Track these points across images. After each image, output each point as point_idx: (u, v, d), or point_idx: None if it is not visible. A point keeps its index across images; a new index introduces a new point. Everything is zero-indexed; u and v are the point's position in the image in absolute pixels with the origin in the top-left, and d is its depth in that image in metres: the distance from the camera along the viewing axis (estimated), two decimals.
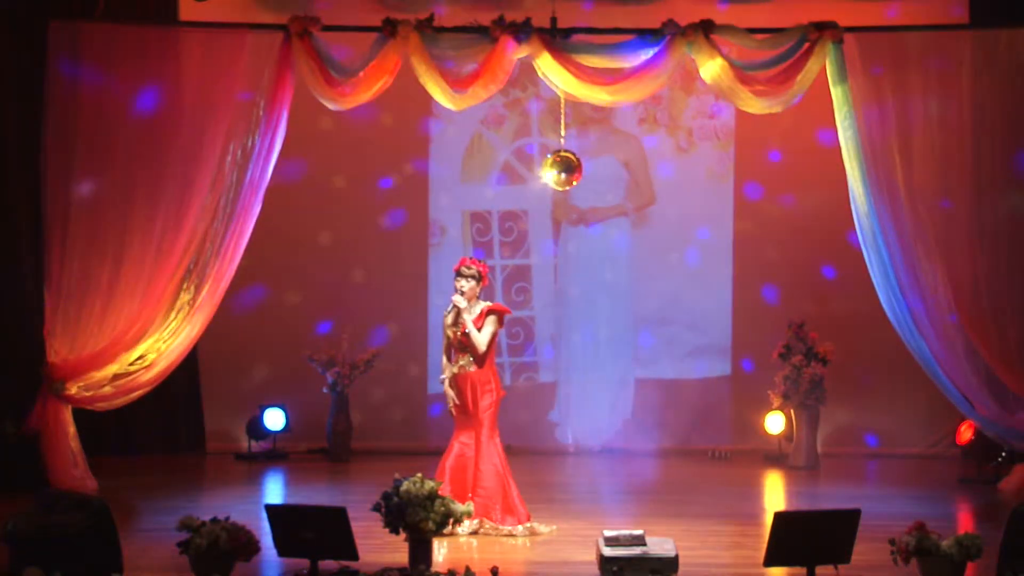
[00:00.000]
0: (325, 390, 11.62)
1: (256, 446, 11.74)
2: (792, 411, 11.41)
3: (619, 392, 12.21)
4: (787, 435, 11.63)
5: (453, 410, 8.43)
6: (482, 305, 8.39)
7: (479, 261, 8.47)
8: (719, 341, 12.14)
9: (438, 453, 11.76)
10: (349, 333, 11.66)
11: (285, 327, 11.95)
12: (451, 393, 8.37)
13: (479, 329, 8.29)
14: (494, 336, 8.35)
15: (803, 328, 11.39)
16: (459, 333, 8.32)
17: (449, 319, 8.39)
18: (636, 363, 12.22)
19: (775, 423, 11.70)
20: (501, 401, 8.43)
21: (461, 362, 8.35)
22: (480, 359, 8.31)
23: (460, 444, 8.34)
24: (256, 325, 11.96)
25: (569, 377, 12.23)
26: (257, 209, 9.67)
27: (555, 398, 12.22)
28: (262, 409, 11.70)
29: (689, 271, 12.19)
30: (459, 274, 8.39)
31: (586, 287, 12.28)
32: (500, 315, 8.39)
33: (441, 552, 7.63)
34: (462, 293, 8.34)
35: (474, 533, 8.14)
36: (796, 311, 11.59)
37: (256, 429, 11.71)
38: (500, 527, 8.14)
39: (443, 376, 8.43)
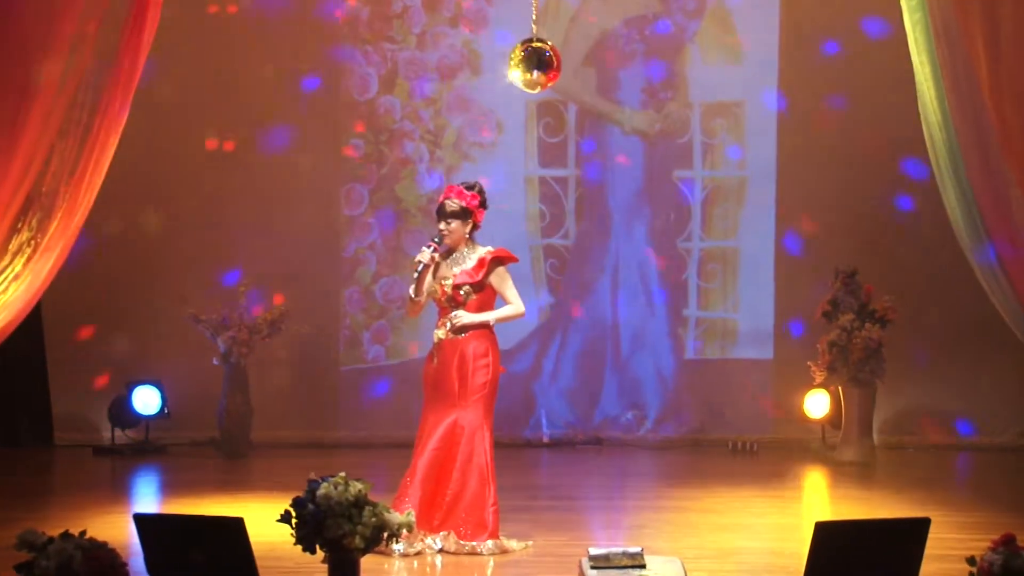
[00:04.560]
0: (216, 361, 11.59)
1: (122, 436, 11.71)
2: (840, 389, 11.47)
3: (610, 368, 12.24)
4: (833, 420, 11.69)
5: (426, 375, 8.35)
6: (480, 252, 8.28)
7: (468, 190, 8.28)
8: (749, 300, 12.19)
9: (366, 446, 11.75)
10: (248, 286, 11.62)
11: (161, 278, 11.88)
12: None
13: (479, 283, 8.22)
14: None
15: (855, 278, 11.41)
16: (447, 288, 8.23)
17: (422, 265, 8.22)
18: (633, 330, 12.24)
19: (817, 405, 11.76)
20: (499, 380, 8.38)
21: (449, 325, 8.28)
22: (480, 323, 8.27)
23: (439, 438, 8.26)
24: (122, 276, 11.90)
25: (545, 351, 12.23)
26: (123, 118, 9.57)
27: (530, 377, 12.23)
28: (130, 388, 11.66)
29: (711, 203, 12.21)
30: (439, 212, 8.28)
31: (570, 231, 12.27)
32: (506, 263, 8.33)
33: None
34: (442, 239, 8.23)
35: (440, 550, 8.16)
36: (847, 256, 11.63)
37: (122, 414, 11.68)
38: (463, 543, 8.16)
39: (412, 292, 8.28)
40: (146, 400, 11.69)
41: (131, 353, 11.96)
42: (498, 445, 8.39)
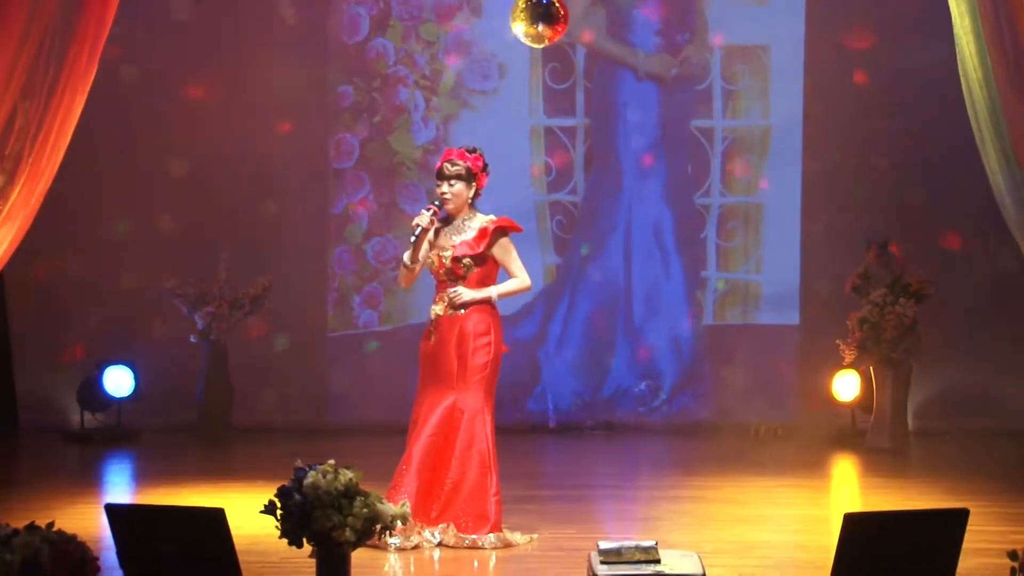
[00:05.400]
0: (193, 339, 11.59)
1: (92, 420, 11.72)
2: (871, 369, 11.48)
3: (622, 334, 12.24)
4: (864, 404, 11.70)
5: (422, 354, 8.34)
6: (481, 220, 8.25)
7: (471, 152, 8.26)
8: (773, 260, 12.17)
9: (353, 431, 11.75)
10: (229, 258, 11.62)
11: (133, 249, 11.88)
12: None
13: (480, 255, 8.20)
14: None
15: (888, 249, 11.41)
16: (445, 260, 8.20)
17: (420, 229, 8.18)
18: (646, 293, 12.24)
19: (847, 386, 11.77)
20: (501, 359, 8.35)
21: (448, 301, 8.24)
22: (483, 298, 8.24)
23: (437, 423, 8.24)
24: (92, 246, 11.89)
25: (551, 316, 12.23)
26: (91, 75, 9.55)
27: (535, 345, 12.23)
28: (101, 367, 11.67)
29: (732, 156, 12.21)
30: (440, 175, 8.26)
31: (578, 186, 12.26)
32: (510, 233, 8.30)
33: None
34: (443, 203, 8.21)
35: (438, 544, 8.17)
36: (879, 214, 11.63)
37: (92, 396, 11.69)
38: (463, 536, 8.16)
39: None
40: (118, 381, 11.69)
41: (102, 330, 11.96)
42: (500, 430, 8.40)
